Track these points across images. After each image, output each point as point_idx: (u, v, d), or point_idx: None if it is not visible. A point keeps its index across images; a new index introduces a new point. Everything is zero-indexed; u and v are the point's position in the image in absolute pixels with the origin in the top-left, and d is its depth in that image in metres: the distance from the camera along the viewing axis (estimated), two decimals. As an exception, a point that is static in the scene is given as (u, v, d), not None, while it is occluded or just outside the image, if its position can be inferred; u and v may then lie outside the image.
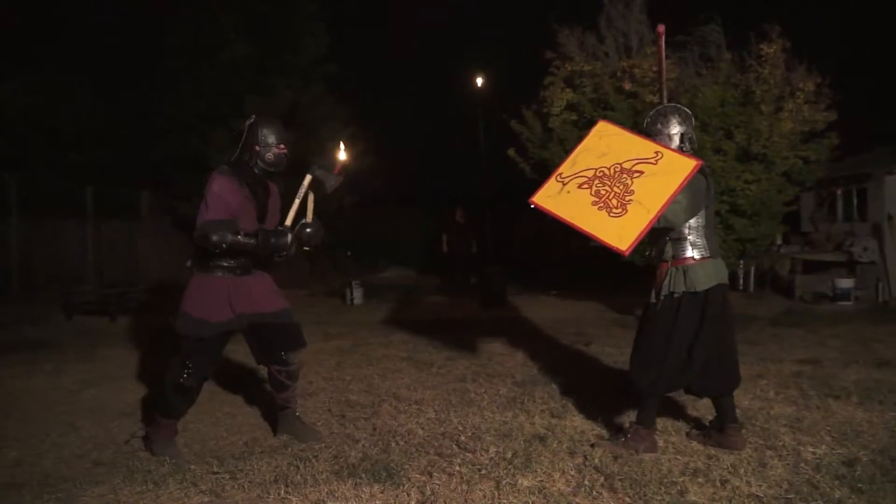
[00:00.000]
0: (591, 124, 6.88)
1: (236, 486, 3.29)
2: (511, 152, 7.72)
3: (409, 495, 3.15)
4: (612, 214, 3.44)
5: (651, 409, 3.74)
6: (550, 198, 3.69)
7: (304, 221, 3.85)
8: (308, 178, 3.85)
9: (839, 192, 12.38)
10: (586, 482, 3.21)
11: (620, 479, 3.21)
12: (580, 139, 3.96)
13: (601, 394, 4.85)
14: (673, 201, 3.41)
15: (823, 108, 6.39)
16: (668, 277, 3.71)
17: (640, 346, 3.81)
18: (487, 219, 14.05)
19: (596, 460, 3.47)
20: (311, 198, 3.91)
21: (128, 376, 5.83)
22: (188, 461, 3.66)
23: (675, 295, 3.67)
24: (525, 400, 4.67)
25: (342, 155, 4.01)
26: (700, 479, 3.21)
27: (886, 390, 4.75)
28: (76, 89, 14.07)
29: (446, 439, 3.97)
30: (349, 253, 13.71)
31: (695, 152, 3.82)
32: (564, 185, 3.70)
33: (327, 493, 3.16)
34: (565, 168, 3.80)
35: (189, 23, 15.56)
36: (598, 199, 3.53)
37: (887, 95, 20.37)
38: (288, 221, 3.81)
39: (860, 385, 4.92)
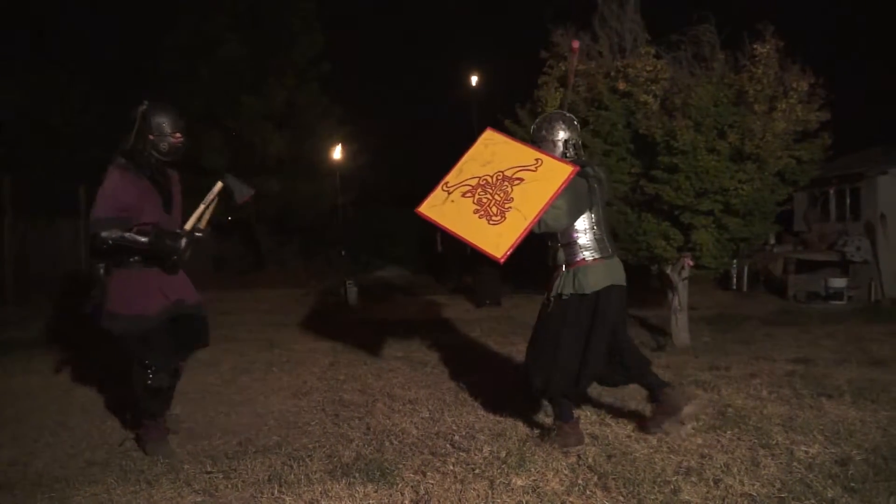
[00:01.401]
0: (585, 123, 6.94)
1: (230, 486, 3.29)
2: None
3: (402, 494, 3.15)
4: (491, 222, 3.54)
5: (565, 405, 3.81)
6: (435, 207, 3.79)
7: (197, 226, 3.77)
8: (219, 185, 3.79)
9: (832, 191, 12.44)
10: (580, 481, 3.22)
11: (614, 479, 3.22)
12: (467, 148, 4.01)
13: (593, 393, 4.85)
14: (552, 206, 3.50)
15: (817, 108, 6.40)
16: (559, 279, 3.80)
17: (532, 348, 3.89)
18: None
19: (590, 460, 3.47)
20: (212, 206, 3.82)
21: (121, 376, 5.80)
22: (182, 461, 3.66)
23: (564, 297, 3.74)
24: (519, 399, 4.67)
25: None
26: (693, 479, 3.21)
27: (879, 389, 4.76)
28: (71, 89, 14.03)
29: (440, 438, 3.97)
30: (343, 252, 13.69)
31: (578, 159, 3.90)
32: (449, 194, 3.79)
33: (321, 493, 3.15)
34: (451, 177, 3.87)
35: (185, 23, 15.54)
36: (479, 208, 3.63)
37: (880, 95, 20.45)
38: (188, 225, 3.73)
39: (853, 384, 4.93)
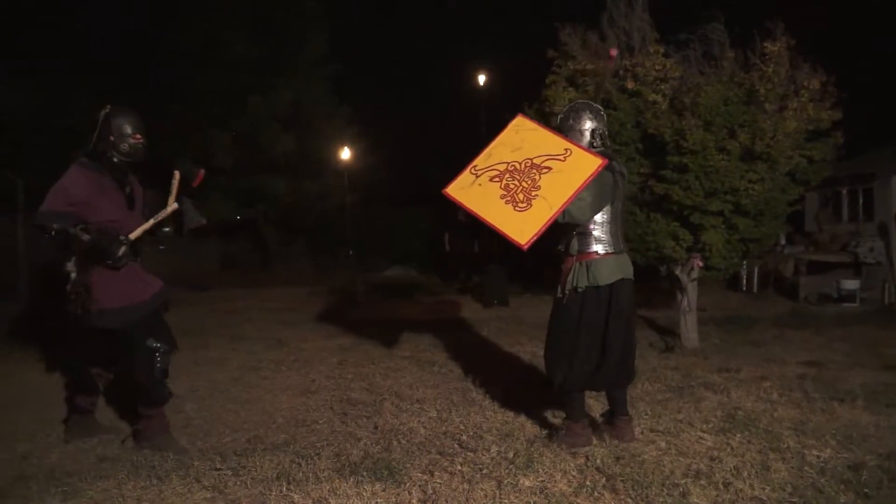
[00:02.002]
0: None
1: (239, 483, 3.30)
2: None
3: (410, 494, 3.15)
4: (517, 208, 3.54)
5: (576, 404, 3.82)
6: (462, 189, 3.78)
7: (175, 210, 3.88)
8: (177, 174, 3.89)
9: (844, 191, 12.35)
10: (588, 483, 3.20)
11: (622, 480, 3.20)
12: (498, 132, 4.01)
13: (601, 394, 4.83)
14: (577, 198, 3.50)
15: (829, 107, 6.35)
16: (572, 272, 3.79)
17: (549, 343, 3.90)
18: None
19: (598, 461, 3.46)
20: (171, 204, 3.90)
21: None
22: (191, 457, 3.66)
23: (579, 290, 3.75)
24: (527, 400, 4.66)
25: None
26: (702, 482, 3.19)
27: (893, 394, 4.71)
28: (82, 90, 14.10)
29: (448, 438, 3.97)
30: (351, 251, 13.71)
31: (606, 149, 3.89)
32: (477, 177, 3.79)
33: (329, 491, 3.15)
34: (480, 160, 3.88)
35: (193, 24, 15.59)
36: (506, 193, 3.62)
37: (894, 94, 20.28)
38: (133, 234, 3.76)
39: (866, 388, 4.88)
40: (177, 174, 3.85)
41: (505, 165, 3.74)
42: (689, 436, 3.91)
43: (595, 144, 3.86)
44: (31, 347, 6.78)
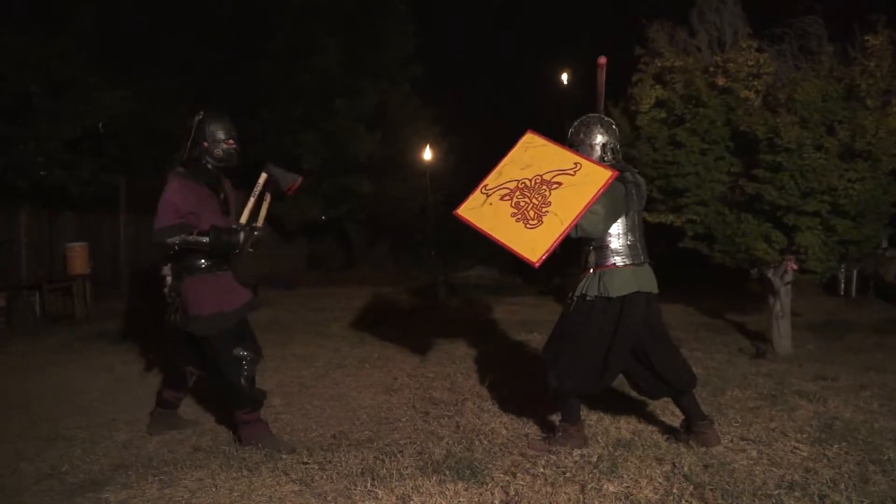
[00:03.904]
0: (681, 121, 6.74)
1: (325, 477, 3.39)
2: (597, 151, 7.60)
3: (492, 494, 3.16)
4: (528, 226, 3.52)
5: (573, 407, 3.80)
6: (473, 210, 3.78)
7: (253, 224, 3.90)
8: (263, 175, 3.91)
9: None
10: (675, 490, 3.13)
11: (711, 489, 3.11)
12: (507, 151, 3.95)
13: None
14: (589, 211, 3.46)
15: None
16: (584, 280, 3.75)
17: (550, 346, 3.86)
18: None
19: (685, 468, 3.38)
20: (266, 200, 3.95)
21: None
22: (280, 451, 3.79)
23: (588, 298, 3.70)
24: (610, 403, 4.59)
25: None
26: (797, 493, 3.07)
27: None
28: (180, 95, 14.82)
29: (530, 440, 3.96)
30: (433, 251, 13.84)
31: (617, 163, 3.84)
32: (488, 196, 3.78)
33: (412, 489, 3.20)
34: (491, 180, 3.85)
35: (282, 29, 16.09)
36: (517, 211, 3.61)
37: None
38: (242, 219, 3.86)
39: (976, 399, 4.58)
40: (263, 175, 3.93)
41: (515, 183, 3.73)
42: (783, 445, 3.76)
43: (606, 158, 3.83)
44: (130, 342, 7.19)
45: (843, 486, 3.14)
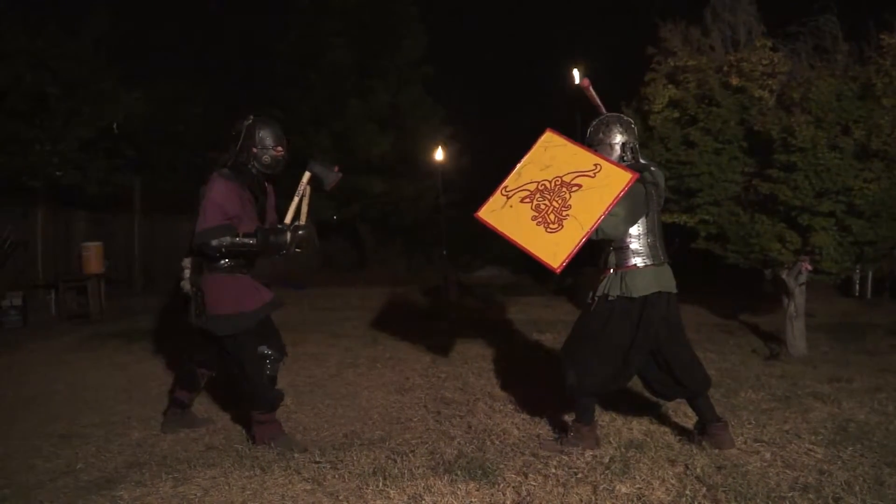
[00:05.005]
0: (694, 120, 6.70)
1: (337, 476, 3.40)
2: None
3: (504, 495, 3.16)
4: (549, 230, 3.50)
5: (588, 407, 3.79)
6: (494, 212, 3.75)
7: (297, 223, 3.86)
8: (307, 174, 3.89)
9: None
10: (687, 492, 3.11)
11: (724, 491, 3.09)
12: (527, 150, 3.91)
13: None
14: (610, 213, 3.44)
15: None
16: (606, 280, 3.73)
17: (570, 345, 3.84)
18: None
19: (698, 470, 3.36)
20: (307, 198, 3.92)
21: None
22: (292, 449, 3.80)
23: (610, 298, 3.69)
24: (622, 404, 4.58)
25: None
26: (811, 496, 3.04)
27: None
28: (193, 96, 14.93)
29: (542, 440, 3.95)
30: (444, 251, 13.84)
31: (636, 163, 3.82)
32: (508, 198, 3.74)
33: (424, 488, 3.21)
34: (511, 181, 3.82)
35: (294, 29, 16.16)
36: (537, 214, 3.58)
37: None
38: (287, 219, 3.84)
39: None
40: (307, 174, 3.90)
41: (535, 185, 3.70)
42: (797, 447, 3.73)
43: (626, 158, 3.81)
44: (144, 341, 7.25)
45: (857, 488, 3.11)
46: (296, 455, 3.68)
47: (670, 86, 6.91)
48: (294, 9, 16.36)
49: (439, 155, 12.97)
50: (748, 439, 3.88)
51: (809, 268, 6.31)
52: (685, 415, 4.31)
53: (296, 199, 3.88)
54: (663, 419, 4.31)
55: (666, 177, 6.75)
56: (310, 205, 3.98)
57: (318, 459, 3.63)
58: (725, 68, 6.68)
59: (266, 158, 3.91)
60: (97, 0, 10.69)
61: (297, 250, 3.88)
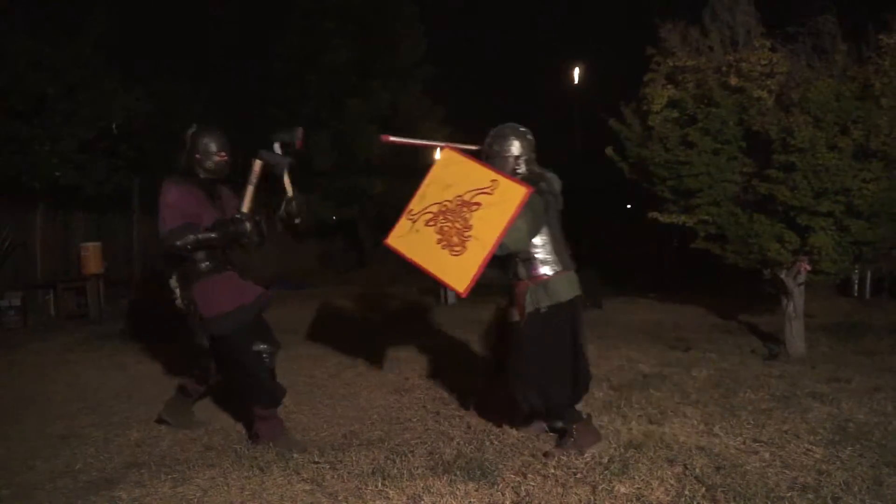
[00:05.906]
0: (693, 120, 6.70)
1: (336, 477, 3.41)
2: (609, 151, 7.58)
3: (503, 495, 3.16)
4: (453, 253, 3.49)
5: (573, 409, 3.77)
6: (401, 238, 3.73)
7: (287, 196, 3.95)
8: (258, 163, 3.92)
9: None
10: (686, 492, 3.12)
11: (723, 491, 3.10)
12: (426, 172, 3.89)
13: (701, 401, 4.70)
14: (512, 228, 3.42)
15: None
16: (528, 294, 3.71)
17: (517, 369, 3.77)
18: (581, 218, 13.85)
19: (697, 470, 3.36)
20: (286, 175, 3.96)
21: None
22: (291, 450, 3.80)
23: (542, 310, 3.68)
24: (621, 405, 4.58)
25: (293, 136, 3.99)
26: (810, 496, 3.05)
27: None
28: (192, 96, 14.93)
29: (540, 441, 3.95)
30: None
31: (531, 174, 3.80)
32: (414, 222, 3.72)
33: (423, 489, 3.21)
34: (415, 203, 3.79)
35: (293, 29, 16.17)
36: (441, 237, 3.57)
37: None
38: (244, 208, 3.87)
39: None
40: (258, 162, 3.93)
41: (438, 206, 3.68)
42: (796, 447, 3.74)
43: (519, 171, 3.81)
44: (144, 341, 7.24)
45: (856, 488, 3.12)
46: (295, 455, 3.68)
47: (669, 86, 6.90)
48: (294, 9, 16.37)
49: (438, 155, 13.00)
50: (747, 439, 3.88)
51: (808, 268, 6.32)
52: (685, 415, 4.32)
53: (250, 189, 3.93)
54: (662, 419, 4.31)
55: (665, 177, 6.81)
56: (290, 186, 3.99)
57: (317, 460, 3.63)
58: (724, 68, 6.67)
59: (209, 164, 4.02)
60: (97, 0, 10.70)
61: (297, 222, 4.01)
